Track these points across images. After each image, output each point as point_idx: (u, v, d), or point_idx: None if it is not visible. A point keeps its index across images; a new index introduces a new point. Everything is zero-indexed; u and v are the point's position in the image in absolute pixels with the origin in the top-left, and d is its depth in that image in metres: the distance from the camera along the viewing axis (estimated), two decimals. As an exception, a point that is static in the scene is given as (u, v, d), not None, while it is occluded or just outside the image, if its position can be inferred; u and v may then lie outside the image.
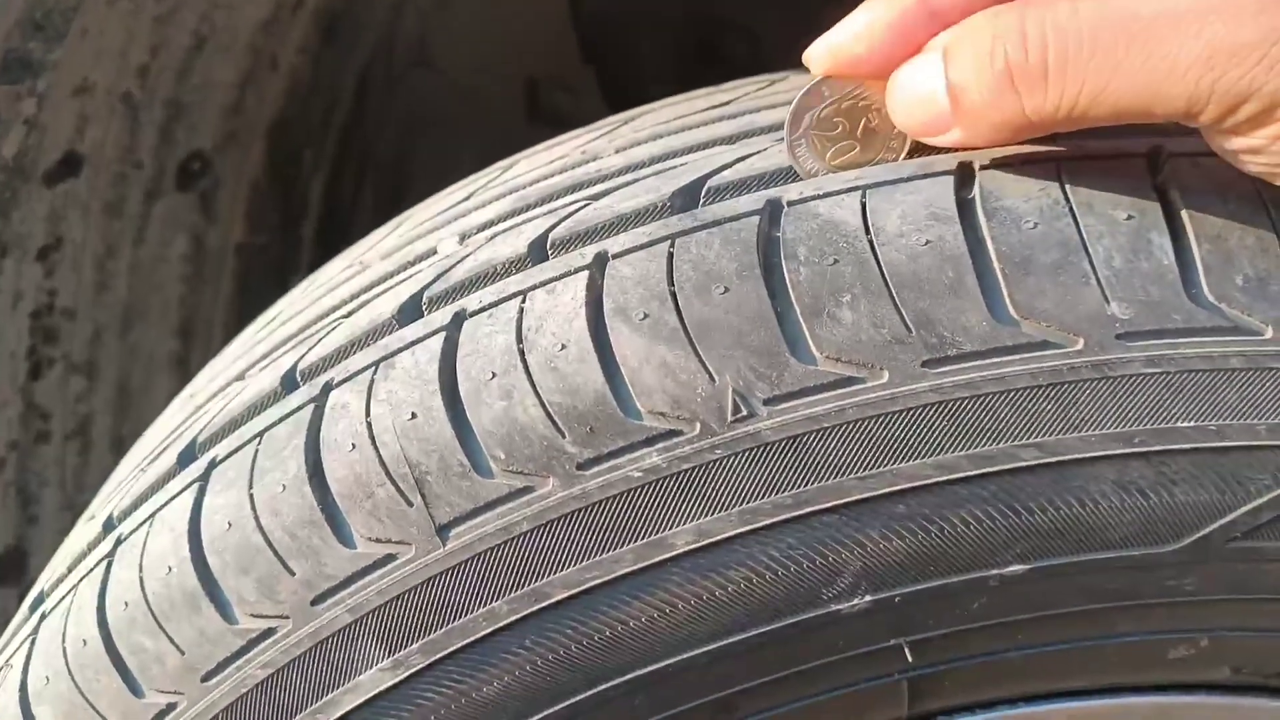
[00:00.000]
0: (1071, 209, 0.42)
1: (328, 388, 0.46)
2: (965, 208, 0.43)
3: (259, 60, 0.97)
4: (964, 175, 0.43)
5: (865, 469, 0.41)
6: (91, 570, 0.50)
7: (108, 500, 0.57)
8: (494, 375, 0.43)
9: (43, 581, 0.57)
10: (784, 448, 0.41)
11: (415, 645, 0.44)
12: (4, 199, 0.83)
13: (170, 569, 0.46)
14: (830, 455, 0.41)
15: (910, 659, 0.44)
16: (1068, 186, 0.42)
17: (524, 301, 0.45)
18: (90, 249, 0.93)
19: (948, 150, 0.44)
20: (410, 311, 0.48)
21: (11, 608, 1.01)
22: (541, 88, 1.24)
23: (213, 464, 0.48)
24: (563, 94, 1.25)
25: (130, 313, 0.99)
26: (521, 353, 0.43)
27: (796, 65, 0.57)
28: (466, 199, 0.58)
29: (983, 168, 0.43)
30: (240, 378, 0.55)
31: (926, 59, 0.42)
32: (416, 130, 1.17)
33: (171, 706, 0.45)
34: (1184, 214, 0.42)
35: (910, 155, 0.45)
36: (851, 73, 0.44)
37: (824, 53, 0.44)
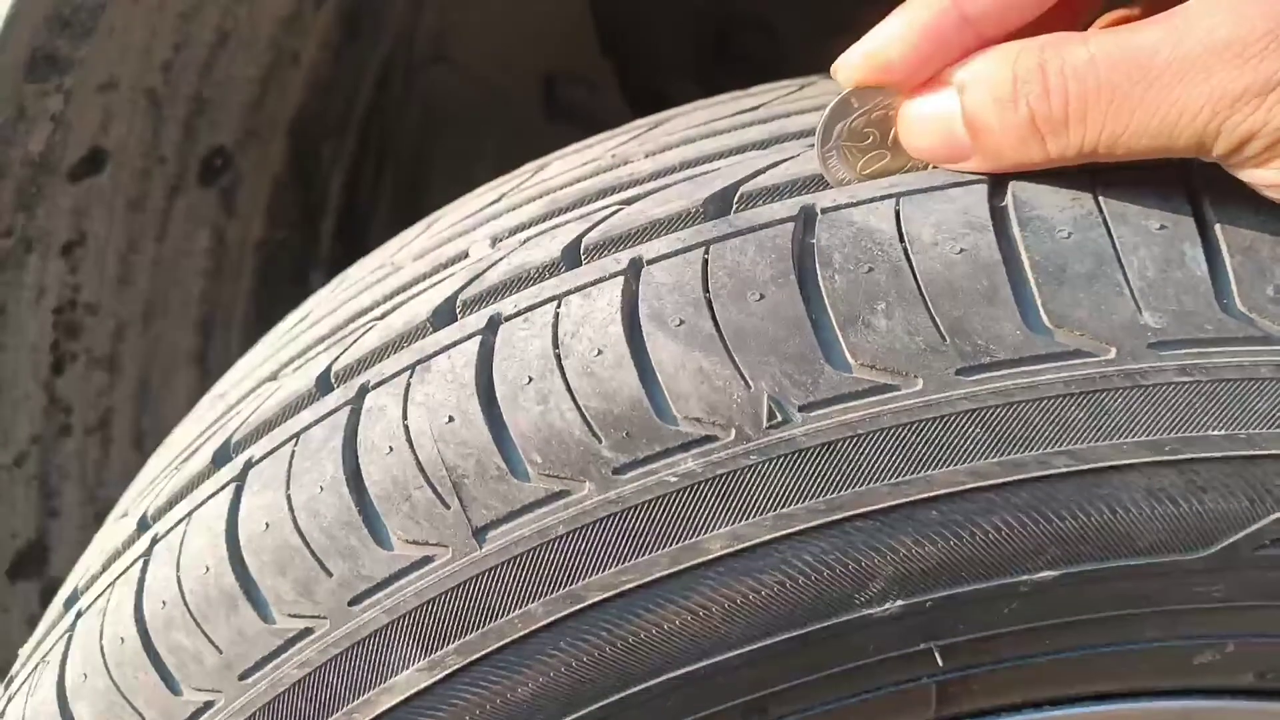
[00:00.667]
0: (1105, 219, 0.42)
1: (364, 390, 0.47)
2: (999, 217, 0.43)
3: (280, 56, 0.98)
4: (997, 184, 0.44)
5: (899, 475, 0.42)
6: (128, 569, 0.50)
7: (140, 498, 0.58)
8: (530, 379, 0.43)
9: (75, 579, 0.57)
10: (818, 454, 0.42)
11: (452, 646, 0.44)
12: (30, 195, 0.84)
13: (208, 568, 0.46)
14: (864, 461, 0.42)
15: (940, 663, 0.45)
16: (1101, 197, 0.42)
17: (559, 306, 0.45)
18: (113, 244, 0.94)
19: None
20: (445, 314, 0.48)
21: (33, 601, 1.02)
22: (559, 82, 1.25)
23: (249, 464, 0.48)
24: (580, 88, 1.25)
25: (151, 308, 1.00)
26: (558, 357, 0.43)
27: (813, 60, 0.57)
28: (497, 201, 0.59)
29: (1016, 177, 0.44)
30: (273, 378, 0.56)
31: (944, 92, 0.43)
32: (435, 125, 1.17)
33: (209, 704, 0.46)
34: (1216, 225, 0.42)
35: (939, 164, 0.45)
36: (883, 80, 0.44)
37: (858, 60, 0.44)
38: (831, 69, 0.45)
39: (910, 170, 0.46)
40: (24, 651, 0.58)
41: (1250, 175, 0.40)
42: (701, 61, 1.22)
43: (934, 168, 0.45)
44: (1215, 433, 0.41)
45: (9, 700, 0.53)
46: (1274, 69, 0.38)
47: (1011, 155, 0.42)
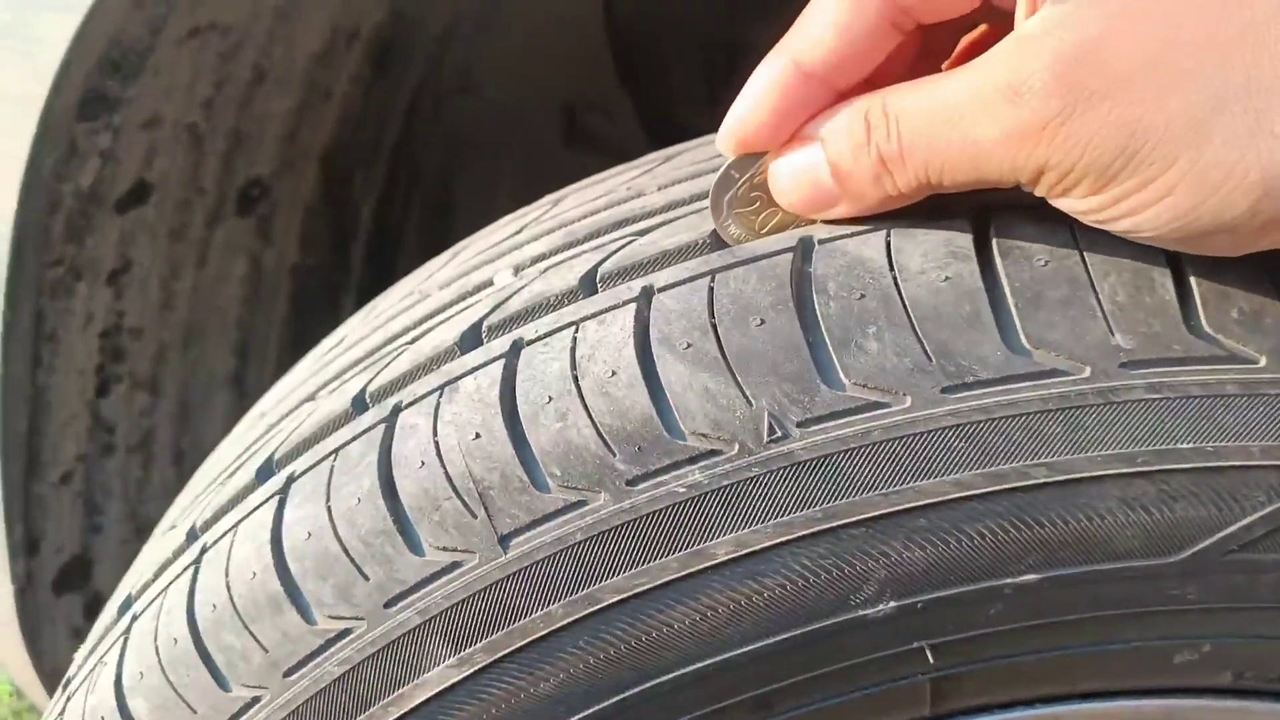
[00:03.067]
0: (1080, 248, 0.45)
1: (397, 409, 0.51)
2: (982, 246, 0.46)
3: (314, 91, 1.02)
4: (980, 217, 0.47)
5: (889, 486, 0.45)
6: (179, 576, 0.54)
7: (187, 512, 0.62)
8: (550, 399, 0.47)
9: (128, 586, 0.61)
10: (815, 466, 0.45)
11: (479, 645, 0.47)
12: (79, 226, 0.88)
13: (254, 574, 0.50)
14: (857, 473, 0.45)
15: (932, 660, 0.48)
16: (1077, 227, 0.45)
17: (577, 331, 0.49)
18: (156, 271, 0.98)
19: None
20: (471, 339, 0.52)
21: (77, 613, 1.06)
22: (578, 111, 1.28)
23: (291, 479, 0.52)
24: (599, 117, 1.29)
25: (191, 332, 1.04)
26: (575, 378, 0.47)
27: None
28: (518, 233, 0.62)
29: (999, 209, 0.47)
30: (311, 398, 0.59)
31: (807, 148, 0.47)
32: (461, 154, 1.21)
33: (256, 700, 0.49)
34: (1183, 254, 0.45)
35: None
36: (752, 147, 0.48)
37: (731, 133, 0.48)
38: (716, 144, 0.49)
39: (803, 219, 0.49)
40: (79, 655, 0.62)
41: (1060, 205, 0.43)
42: (716, 91, 1.26)
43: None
44: (1184, 445, 0.44)
45: (68, 699, 0.57)
46: (1043, 107, 0.40)
47: (872, 194, 0.46)
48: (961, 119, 0.42)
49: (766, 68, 0.47)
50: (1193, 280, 0.45)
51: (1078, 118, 0.40)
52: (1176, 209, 0.40)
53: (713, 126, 0.72)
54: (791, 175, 0.48)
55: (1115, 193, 0.41)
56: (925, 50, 0.49)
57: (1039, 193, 0.43)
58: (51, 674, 1.02)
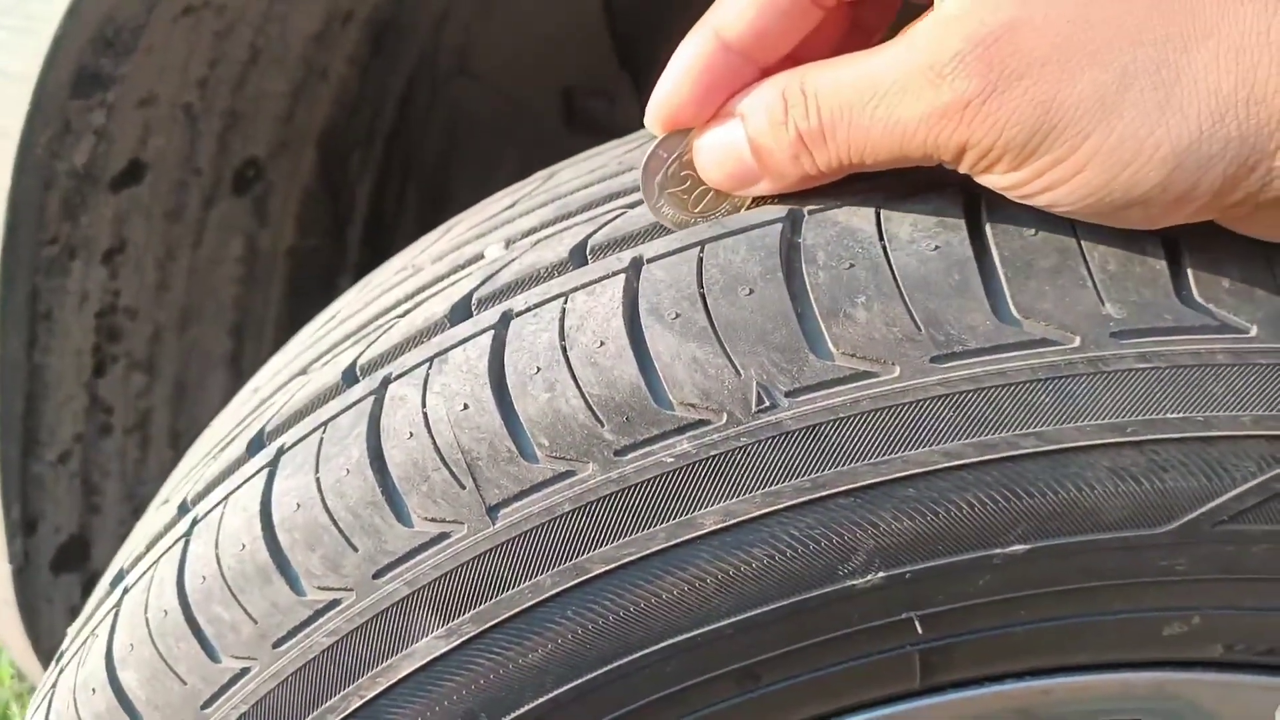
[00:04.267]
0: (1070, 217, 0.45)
1: (386, 381, 0.50)
2: (972, 216, 0.46)
3: (310, 71, 1.01)
4: (971, 186, 0.47)
5: (878, 456, 0.45)
6: (170, 548, 0.54)
7: (180, 485, 0.62)
8: (539, 370, 0.47)
9: (121, 560, 0.61)
10: (803, 436, 0.45)
11: (467, 615, 0.47)
12: (74, 204, 0.88)
13: (244, 546, 0.50)
14: (846, 443, 0.45)
15: (920, 631, 0.48)
16: (1067, 196, 0.46)
17: (566, 302, 0.48)
18: (152, 252, 0.97)
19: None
20: (461, 311, 0.52)
21: (75, 593, 1.06)
22: (578, 95, 1.28)
23: (281, 451, 0.52)
24: (598, 101, 1.29)
25: (188, 313, 1.04)
26: (564, 349, 0.47)
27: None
28: (511, 207, 0.62)
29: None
30: (303, 372, 0.59)
31: (728, 124, 0.47)
32: (458, 137, 1.21)
33: (245, 670, 0.49)
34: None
35: None
36: (678, 124, 0.48)
37: (656, 110, 0.48)
38: (645, 125, 0.49)
39: (736, 197, 0.49)
40: (72, 630, 0.62)
41: (983, 181, 0.44)
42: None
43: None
44: (1174, 415, 0.44)
45: (60, 672, 0.57)
46: (964, 88, 0.41)
47: (791, 171, 0.46)
48: (883, 99, 0.43)
49: (689, 43, 0.47)
50: (1184, 250, 0.45)
51: (996, 97, 0.41)
52: (1091, 184, 0.41)
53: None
54: (713, 151, 0.48)
55: (1033, 168, 0.42)
56: (854, 26, 0.49)
57: (961, 169, 0.43)
58: (50, 654, 1.02)
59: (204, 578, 0.50)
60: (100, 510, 1.06)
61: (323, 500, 0.48)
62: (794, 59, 0.47)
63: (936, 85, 0.41)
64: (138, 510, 1.05)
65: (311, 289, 1.11)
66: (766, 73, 0.47)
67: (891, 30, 0.46)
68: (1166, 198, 0.41)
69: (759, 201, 0.49)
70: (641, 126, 0.74)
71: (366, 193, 1.15)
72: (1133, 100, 0.40)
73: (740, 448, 0.45)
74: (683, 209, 0.49)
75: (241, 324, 1.08)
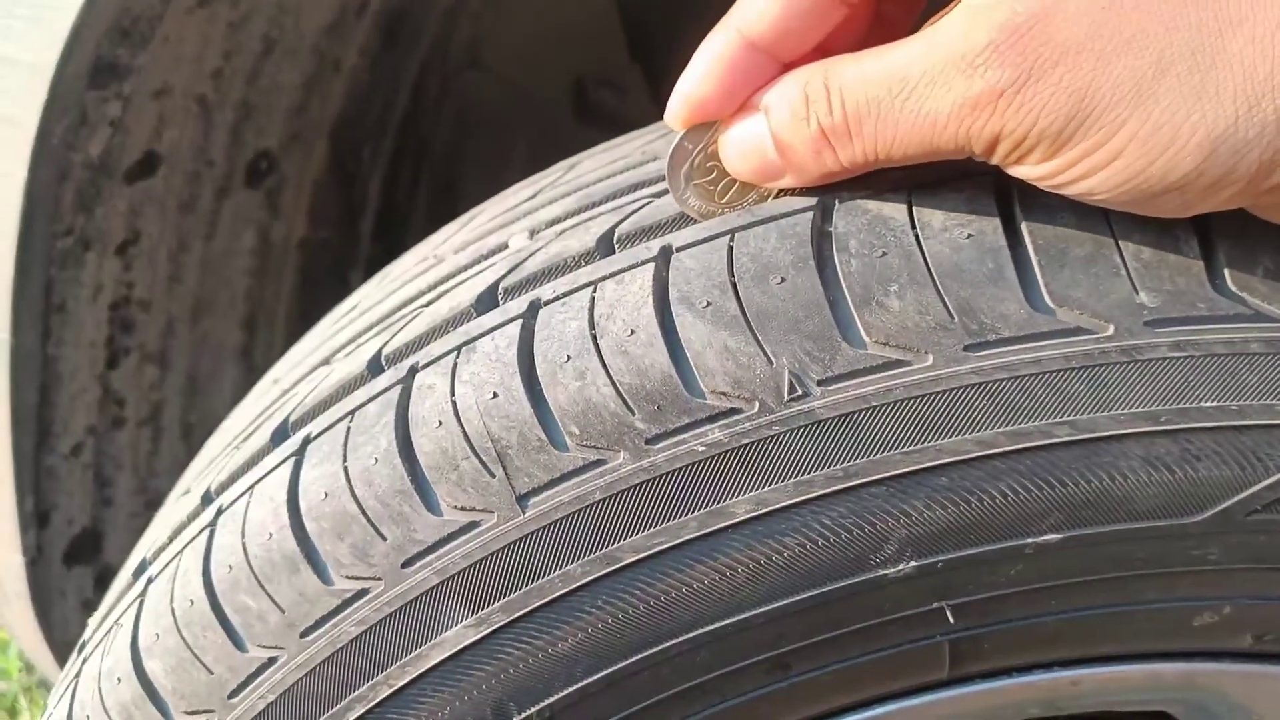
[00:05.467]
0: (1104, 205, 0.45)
1: (413, 370, 0.50)
2: (1005, 204, 0.46)
3: (323, 63, 1.01)
4: (1003, 174, 0.47)
5: (910, 444, 0.45)
6: (195, 538, 0.54)
7: (202, 476, 0.61)
8: (569, 358, 0.47)
9: (143, 550, 0.61)
10: (836, 425, 0.45)
11: (497, 604, 0.47)
12: (89, 196, 0.88)
13: (271, 535, 0.50)
14: (878, 431, 0.45)
15: (951, 621, 0.48)
16: (1100, 184, 0.45)
17: (595, 291, 0.48)
18: (165, 244, 0.97)
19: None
20: (488, 301, 0.52)
21: (88, 585, 1.06)
22: (589, 86, 1.28)
23: (307, 440, 0.52)
24: (610, 92, 1.28)
25: (200, 305, 1.04)
26: (594, 338, 0.47)
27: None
28: (533, 197, 0.62)
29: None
30: (326, 362, 0.59)
31: (752, 118, 0.47)
32: (469, 129, 1.21)
33: (273, 660, 0.49)
34: (1210, 212, 0.45)
35: None
36: (703, 116, 0.48)
37: (679, 105, 0.48)
38: (665, 118, 0.49)
39: (766, 191, 0.49)
40: (94, 620, 0.62)
41: (1015, 172, 0.43)
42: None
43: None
44: (1208, 404, 0.44)
45: (84, 662, 0.57)
46: (997, 77, 0.41)
47: (813, 167, 0.46)
48: (912, 91, 0.42)
49: (712, 40, 0.47)
50: (1218, 239, 0.45)
51: (1030, 86, 0.40)
52: (1126, 171, 0.41)
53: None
54: (738, 145, 0.47)
55: (1068, 157, 0.41)
56: (879, 19, 0.49)
57: (993, 161, 0.43)
58: (62, 646, 1.02)
59: (230, 567, 0.50)
60: (112, 503, 1.05)
61: (351, 489, 0.48)
62: (821, 51, 0.47)
63: (969, 75, 0.41)
64: (150, 503, 1.05)
65: (323, 281, 1.11)
66: (789, 68, 0.47)
67: (919, 24, 0.46)
68: (1202, 183, 0.41)
69: (786, 192, 0.49)
70: (654, 118, 0.74)
71: (378, 184, 1.15)
72: (1169, 86, 0.40)
73: (772, 436, 0.45)
74: (709, 200, 0.49)
75: (253, 316, 1.08)
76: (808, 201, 0.48)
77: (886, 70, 0.43)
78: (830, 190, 0.48)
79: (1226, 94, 0.39)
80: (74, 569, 1.04)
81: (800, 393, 0.45)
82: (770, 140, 0.46)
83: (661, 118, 0.73)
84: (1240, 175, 0.40)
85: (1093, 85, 0.40)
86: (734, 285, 0.46)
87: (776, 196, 0.49)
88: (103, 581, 1.04)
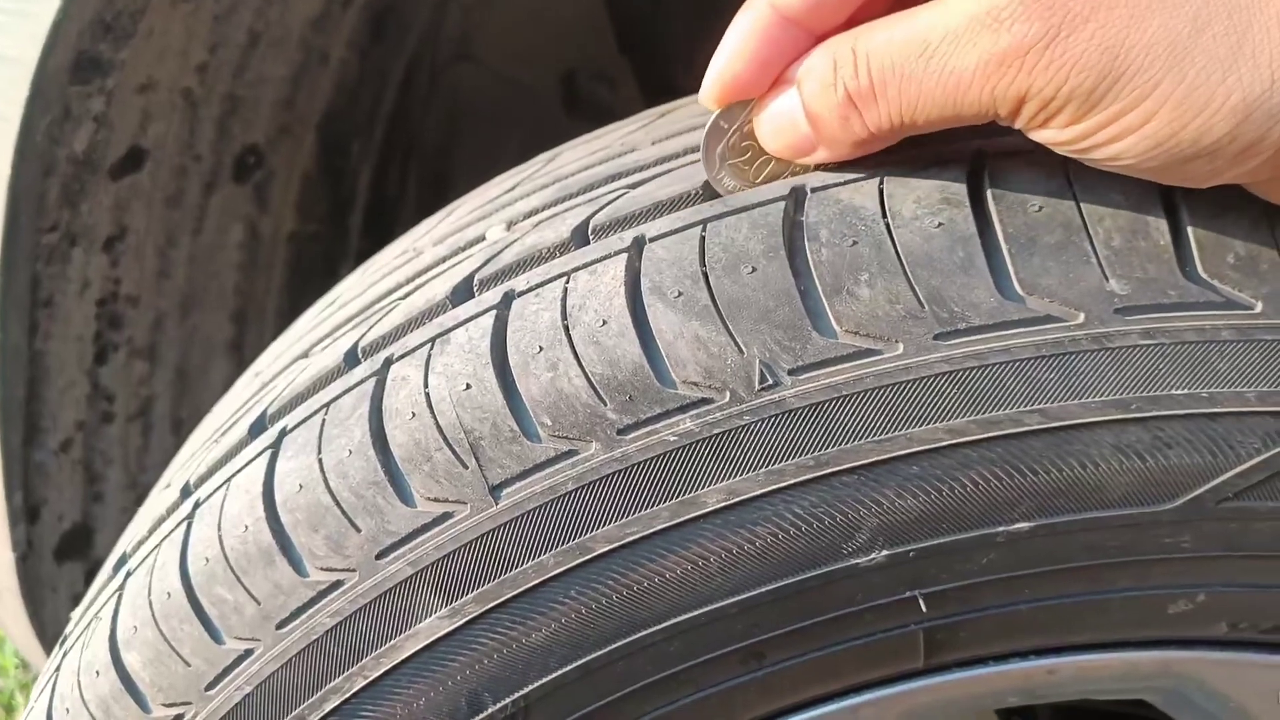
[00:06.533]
0: (1074, 193, 0.45)
1: (388, 362, 0.50)
2: (976, 192, 0.46)
3: (310, 56, 1.01)
4: (975, 162, 0.47)
5: (881, 433, 0.45)
6: (172, 531, 0.54)
7: (182, 469, 0.62)
8: (541, 349, 0.47)
9: (124, 544, 0.61)
10: (806, 414, 0.45)
11: (470, 595, 0.47)
12: (74, 191, 0.88)
13: (246, 527, 0.50)
14: (849, 420, 0.45)
15: (925, 610, 0.48)
16: (1071, 172, 0.45)
17: (568, 282, 0.48)
18: (152, 239, 0.97)
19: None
20: (463, 292, 0.52)
21: (79, 581, 1.06)
22: (579, 79, 1.28)
23: (283, 433, 0.52)
24: (600, 84, 1.28)
25: (189, 299, 1.04)
26: (566, 328, 0.47)
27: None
28: (512, 189, 0.62)
29: (993, 155, 0.47)
30: (305, 355, 0.59)
31: (785, 93, 0.46)
32: (459, 121, 1.20)
33: (249, 651, 0.49)
34: (1180, 198, 0.45)
35: None
36: (738, 94, 0.47)
37: (711, 83, 0.47)
38: (698, 98, 0.48)
39: (798, 165, 0.48)
40: (76, 614, 0.62)
41: (1038, 137, 0.42)
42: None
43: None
44: (1178, 392, 0.44)
45: (64, 655, 0.57)
46: (1024, 31, 0.39)
47: (842, 136, 0.45)
48: (936, 50, 0.41)
49: (744, 17, 0.46)
50: (1189, 225, 0.45)
51: (1061, 41, 0.39)
52: (1158, 134, 0.40)
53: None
54: (772, 120, 0.47)
55: (1098, 119, 0.40)
56: None
57: (1017, 124, 0.42)
58: (54, 641, 1.02)
59: (207, 559, 0.50)
60: (103, 498, 1.06)
61: (325, 481, 0.48)
62: (852, 23, 0.46)
63: (994, 30, 0.40)
64: (140, 498, 1.05)
65: (312, 274, 1.11)
66: (823, 39, 0.46)
67: None
68: (1233, 149, 0.40)
69: (820, 168, 0.48)
70: (642, 108, 0.74)
71: (367, 178, 1.15)
72: (1204, 47, 0.38)
73: (743, 426, 0.45)
74: (744, 179, 0.49)
75: (243, 310, 1.08)
76: (780, 191, 0.48)
77: (911, 31, 0.42)
78: (802, 179, 0.48)
79: (1263, 57, 0.38)
80: (65, 564, 1.04)
81: (771, 382, 0.45)
82: (801, 113, 0.46)
83: (649, 107, 0.73)
84: (1272, 142, 0.39)
85: (1126, 43, 0.39)
86: (705, 275, 0.46)
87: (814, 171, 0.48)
88: (94, 577, 1.04)
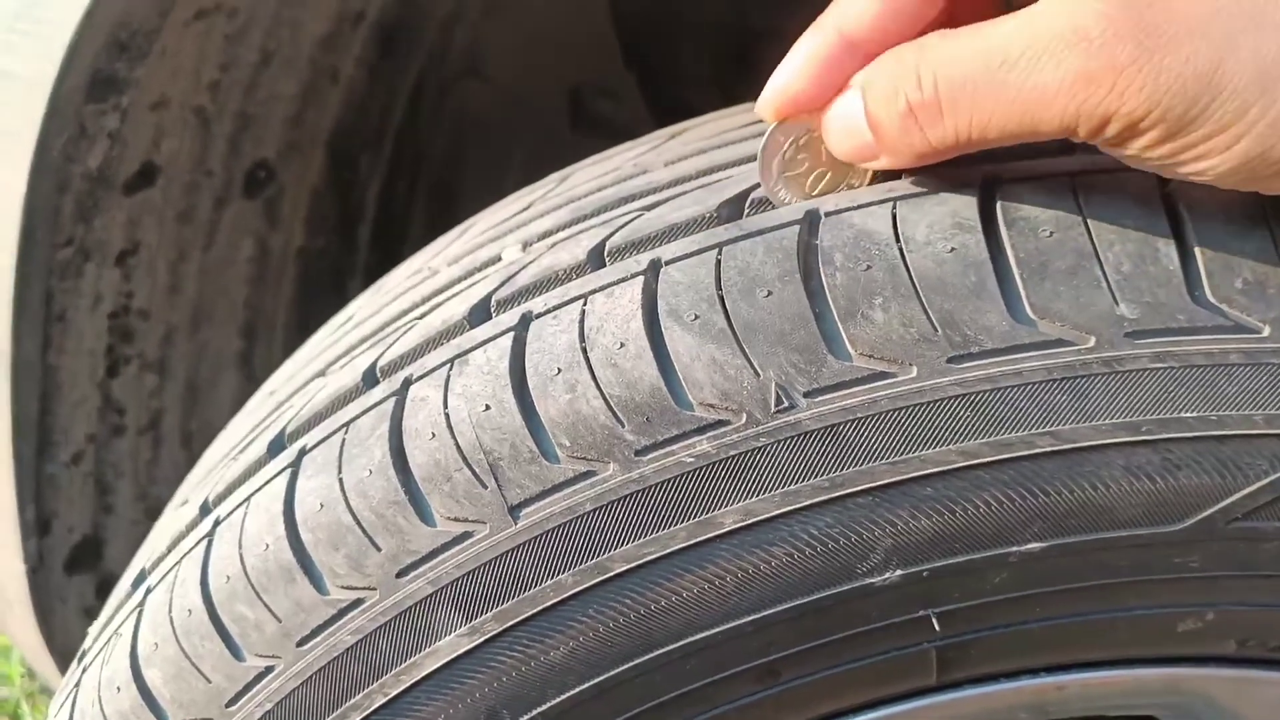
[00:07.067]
0: (1084, 218, 0.46)
1: (407, 382, 0.51)
2: (987, 217, 0.46)
3: (320, 73, 1.02)
4: (987, 187, 0.47)
5: (895, 455, 0.45)
6: (193, 549, 0.54)
7: (199, 487, 0.62)
8: (559, 371, 0.47)
9: (141, 560, 0.62)
10: (822, 436, 0.45)
11: (490, 614, 0.48)
12: (88, 207, 0.88)
13: (267, 545, 0.50)
14: (864, 442, 0.45)
15: (937, 629, 0.48)
16: (1081, 198, 0.46)
17: (585, 304, 0.49)
18: (164, 253, 0.98)
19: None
20: (480, 313, 0.52)
21: (89, 593, 1.06)
22: (585, 94, 1.28)
23: (303, 452, 0.53)
24: (606, 100, 1.29)
25: (199, 314, 1.04)
26: (584, 350, 0.47)
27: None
28: (526, 209, 0.63)
29: (1004, 181, 0.47)
30: (321, 375, 0.60)
31: (849, 96, 0.46)
32: (466, 137, 1.21)
33: (270, 669, 0.50)
34: (1188, 223, 0.45)
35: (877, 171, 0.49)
36: (797, 110, 0.48)
37: (773, 98, 0.48)
38: (755, 109, 0.49)
39: (853, 178, 0.49)
40: (94, 629, 0.62)
41: (1120, 153, 0.42)
42: (721, 73, 1.26)
43: (870, 176, 0.49)
44: (1188, 415, 0.45)
45: (84, 671, 0.58)
46: (1117, 52, 0.39)
47: (903, 147, 0.45)
48: (1015, 65, 0.41)
49: (809, 38, 0.47)
50: (1197, 250, 0.45)
51: (1155, 63, 0.39)
52: (1246, 154, 0.40)
53: (720, 107, 0.72)
54: (837, 123, 0.47)
55: (1187, 140, 0.40)
56: (973, 11, 0.47)
57: (1095, 141, 0.42)
58: (63, 653, 1.03)
59: (228, 577, 0.51)
60: (113, 511, 1.06)
61: (346, 500, 0.49)
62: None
63: (1084, 49, 0.40)
64: (150, 510, 1.06)
65: (322, 289, 1.12)
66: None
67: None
68: None
69: (878, 178, 0.49)
70: (651, 127, 0.75)
71: (376, 193, 1.15)
72: None
73: (759, 448, 0.45)
74: (800, 191, 0.50)
75: (252, 324, 1.09)
76: (794, 215, 0.48)
77: (983, 46, 0.42)
78: (818, 204, 0.49)
79: None
80: (75, 576, 1.04)
81: (786, 404, 0.45)
82: (864, 119, 0.46)
83: (657, 127, 0.74)
84: None
85: (1222, 67, 0.39)
86: (721, 298, 0.47)
87: (871, 183, 0.49)
88: (104, 589, 1.04)
